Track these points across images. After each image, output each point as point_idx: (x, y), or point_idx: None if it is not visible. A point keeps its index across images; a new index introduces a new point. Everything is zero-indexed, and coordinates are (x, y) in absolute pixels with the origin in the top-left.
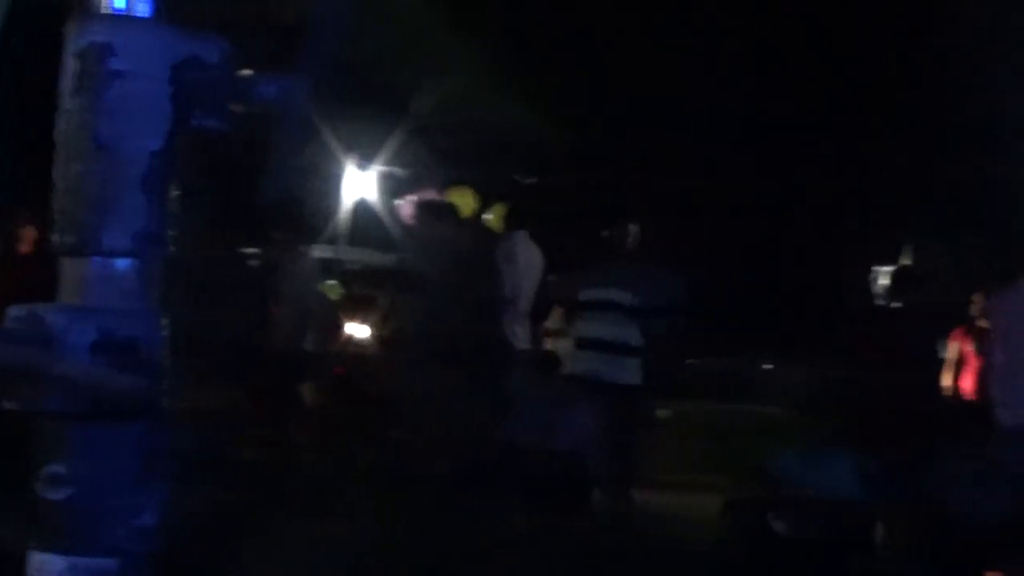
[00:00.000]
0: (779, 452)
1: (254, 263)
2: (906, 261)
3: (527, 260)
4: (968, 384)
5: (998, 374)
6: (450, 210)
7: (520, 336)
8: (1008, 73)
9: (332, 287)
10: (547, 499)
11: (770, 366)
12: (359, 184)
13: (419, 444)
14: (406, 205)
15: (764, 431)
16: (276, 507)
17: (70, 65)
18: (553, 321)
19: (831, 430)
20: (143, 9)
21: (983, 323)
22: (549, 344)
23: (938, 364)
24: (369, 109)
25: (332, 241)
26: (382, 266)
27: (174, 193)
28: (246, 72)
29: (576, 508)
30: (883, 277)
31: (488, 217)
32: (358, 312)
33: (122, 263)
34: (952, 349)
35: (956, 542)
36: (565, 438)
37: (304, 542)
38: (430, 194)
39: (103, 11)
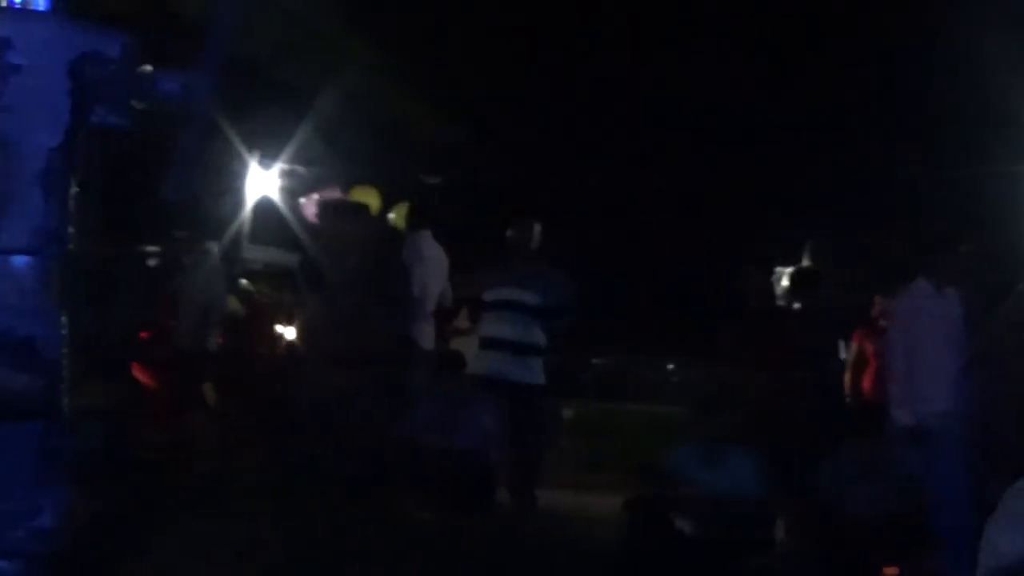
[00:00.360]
0: (677, 451)
1: (155, 261)
2: (806, 262)
3: (432, 259)
4: (868, 384)
5: (895, 374)
6: (354, 209)
7: (425, 335)
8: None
9: (235, 286)
10: (450, 498)
11: (671, 365)
12: (262, 182)
13: (323, 443)
14: (309, 203)
15: (664, 430)
16: (175, 508)
17: None
18: (458, 320)
19: (730, 429)
20: (41, 3)
21: (883, 324)
22: (454, 344)
23: (838, 364)
24: (271, 107)
25: (235, 239)
26: (285, 265)
27: (73, 190)
28: (147, 68)
29: (479, 507)
30: (784, 278)
31: (392, 216)
32: (261, 311)
33: (20, 260)
34: (853, 349)
35: (851, 539)
36: (468, 437)
37: (205, 543)
38: (334, 192)
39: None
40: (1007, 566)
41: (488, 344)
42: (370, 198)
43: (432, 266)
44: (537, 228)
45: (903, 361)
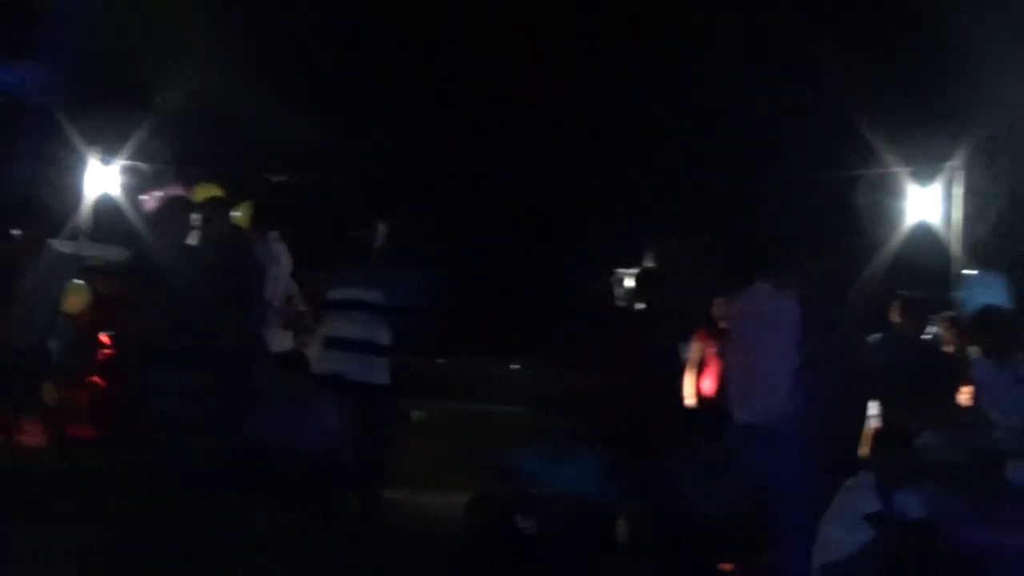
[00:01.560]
0: (522, 451)
1: None
2: (649, 263)
3: (277, 259)
4: (709, 384)
5: (735, 374)
6: (206, 206)
7: (274, 336)
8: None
9: (75, 284)
10: (295, 497)
11: (516, 366)
12: (102, 178)
13: (167, 444)
14: (152, 200)
15: (509, 430)
16: (8, 513)
17: None
18: (304, 320)
19: (573, 429)
20: None
21: (723, 325)
22: (298, 343)
23: (679, 365)
24: (113, 103)
25: (73, 236)
26: (126, 263)
27: None
28: None
29: (324, 506)
30: (627, 279)
31: (237, 215)
32: (101, 309)
33: None
34: (695, 349)
35: (691, 538)
36: (313, 437)
37: (40, 549)
38: (177, 190)
39: None
40: (839, 561)
41: (332, 344)
42: (217, 196)
43: (281, 266)
44: (383, 228)
45: (742, 362)
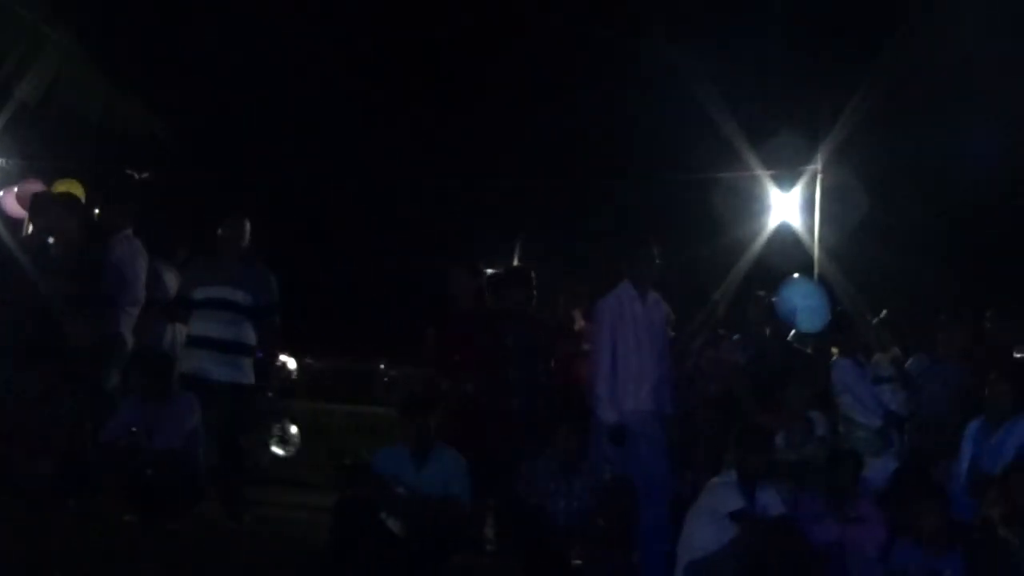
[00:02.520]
0: (386, 451)
1: None
2: (516, 262)
3: (139, 256)
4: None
5: (600, 374)
6: (66, 202)
7: (131, 334)
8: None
9: None
10: (153, 500)
11: (382, 366)
12: None
13: (17, 444)
14: (9, 195)
15: (374, 431)
16: None
17: None
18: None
19: (437, 429)
20: None
21: (580, 325)
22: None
23: (546, 364)
24: None
25: None
26: None
27: None
28: None
29: (183, 508)
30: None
31: (97, 212)
32: None
33: None
34: (560, 349)
35: (554, 536)
36: (174, 437)
37: None
38: (35, 185)
39: None
40: (701, 559)
41: (197, 343)
42: (75, 192)
43: (141, 263)
44: (248, 226)
45: (608, 361)
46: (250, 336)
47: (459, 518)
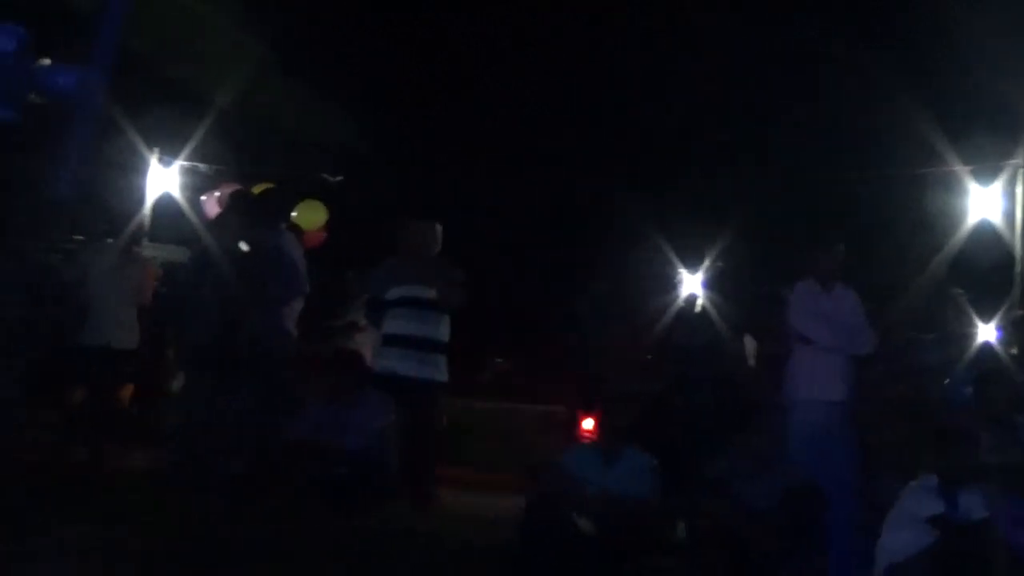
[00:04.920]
0: (573, 450)
1: (52, 258)
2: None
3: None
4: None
5: (793, 369)
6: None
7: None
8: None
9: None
10: (338, 498)
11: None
12: (162, 179)
13: (215, 442)
14: (211, 200)
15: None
16: (53, 511)
17: None
18: (351, 318)
19: (622, 429)
20: None
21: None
22: (342, 341)
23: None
24: (172, 104)
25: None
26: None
27: None
28: (46, 61)
29: (374, 506)
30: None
31: (294, 215)
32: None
33: None
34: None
35: (748, 536)
36: (366, 436)
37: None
38: (234, 189)
39: None
40: (900, 563)
41: (390, 341)
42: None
43: (302, 256)
44: (439, 229)
45: (802, 357)
46: (443, 333)
47: (649, 518)
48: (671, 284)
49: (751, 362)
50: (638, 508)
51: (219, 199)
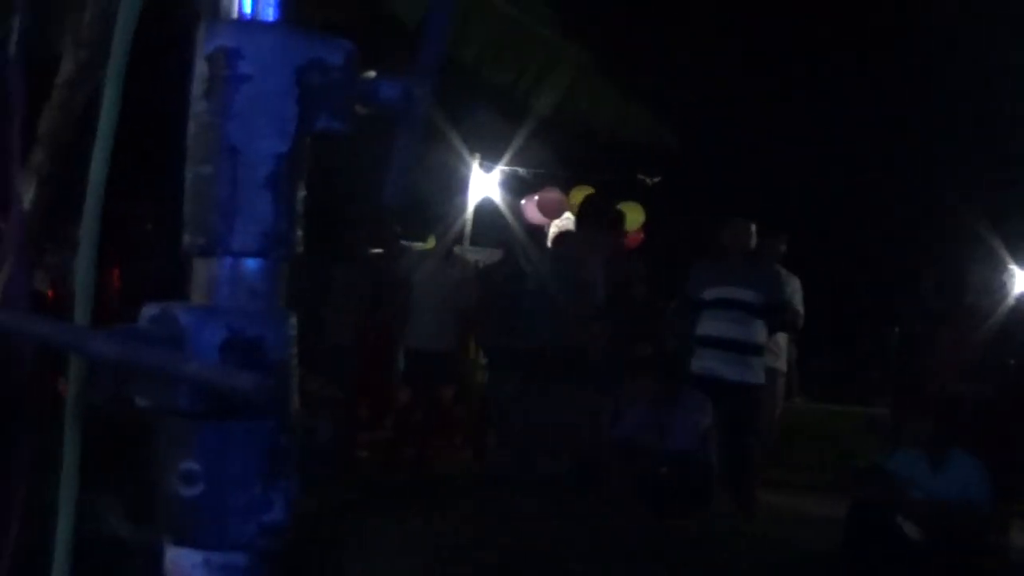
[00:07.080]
0: (897, 454)
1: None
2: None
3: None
4: None
5: None
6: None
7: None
8: None
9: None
10: (665, 497)
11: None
12: (483, 184)
13: (537, 444)
14: (530, 204)
15: (875, 432)
16: (389, 505)
17: (200, 69)
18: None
19: (947, 433)
20: (269, 13)
21: None
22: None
23: None
24: (492, 110)
25: (457, 241)
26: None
27: (300, 194)
28: (371, 74)
29: (697, 508)
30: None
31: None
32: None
33: (251, 263)
34: None
35: None
36: (685, 437)
37: (420, 541)
38: (552, 194)
39: (231, 16)
40: None
41: (707, 342)
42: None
43: None
44: (753, 229)
45: None
46: (760, 335)
47: (980, 524)
48: (1000, 283)
49: None
50: (968, 514)
51: (539, 203)
